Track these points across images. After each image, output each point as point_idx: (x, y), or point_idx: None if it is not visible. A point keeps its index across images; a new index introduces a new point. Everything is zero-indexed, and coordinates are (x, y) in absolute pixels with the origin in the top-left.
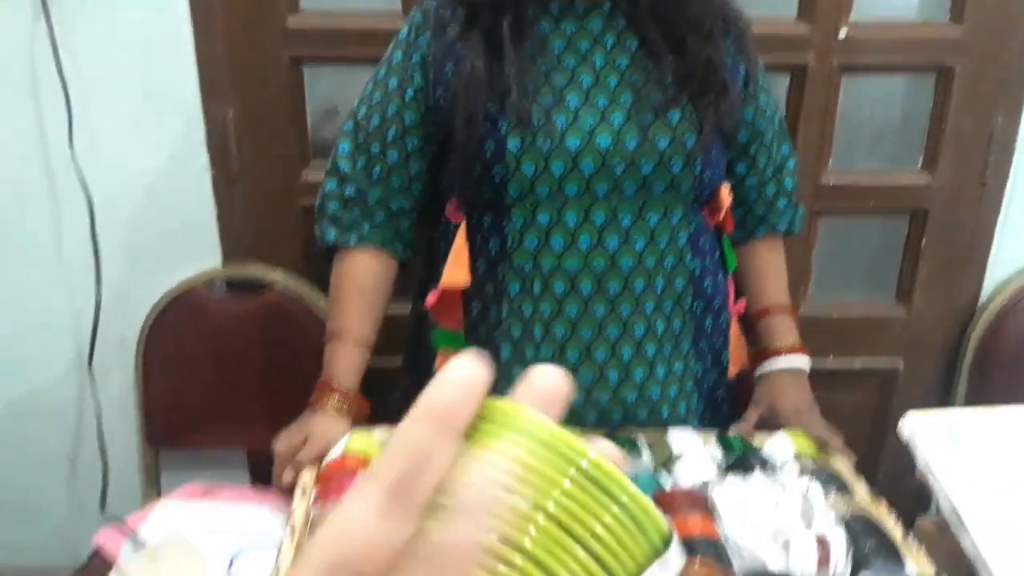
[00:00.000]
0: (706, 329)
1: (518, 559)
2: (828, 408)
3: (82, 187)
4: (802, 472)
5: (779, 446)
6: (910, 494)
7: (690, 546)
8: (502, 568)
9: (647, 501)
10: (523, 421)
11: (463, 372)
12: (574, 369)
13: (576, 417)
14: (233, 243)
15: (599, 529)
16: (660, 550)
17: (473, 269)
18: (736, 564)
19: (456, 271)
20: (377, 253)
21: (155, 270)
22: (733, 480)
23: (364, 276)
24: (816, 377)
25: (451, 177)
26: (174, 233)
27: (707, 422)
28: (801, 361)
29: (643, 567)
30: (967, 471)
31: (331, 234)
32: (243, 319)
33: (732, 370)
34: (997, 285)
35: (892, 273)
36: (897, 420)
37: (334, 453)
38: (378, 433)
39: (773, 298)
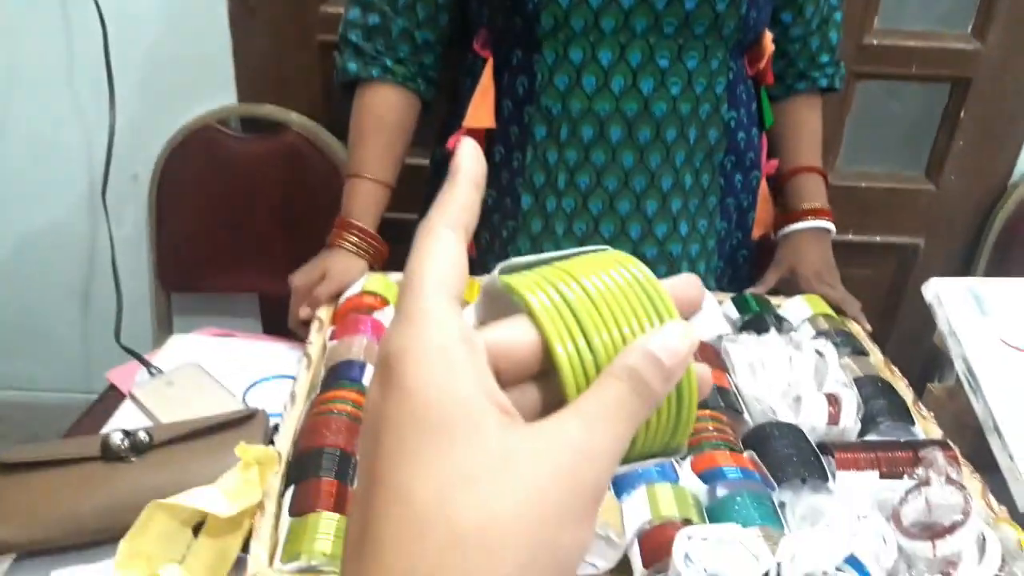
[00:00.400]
0: (736, 186)
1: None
2: (843, 280)
3: (97, 12)
4: (817, 333)
5: (795, 307)
6: (918, 368)
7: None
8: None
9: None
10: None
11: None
12: (595, 221)
13: None
14: (248, 79)
15: (634, 323)
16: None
17: (498, 110)
18: (746, 415)
19: (481, 110)
20: (400, 89)
21: (169, 103)
22: (747, 337)
23: (386, 111)
24: (834, 248)
25: (480, 5)
26: (189, 65)
27: (725, 283)
28: (826, 224)
29: None
30: (986, 336)
31: (353, 65)
32: (258, 159)
33: (756, 232)
34: None
35: (925, 147)
36: (912, 297)
37: (352, 291)
38: (395, 276)
39: (806, 158)
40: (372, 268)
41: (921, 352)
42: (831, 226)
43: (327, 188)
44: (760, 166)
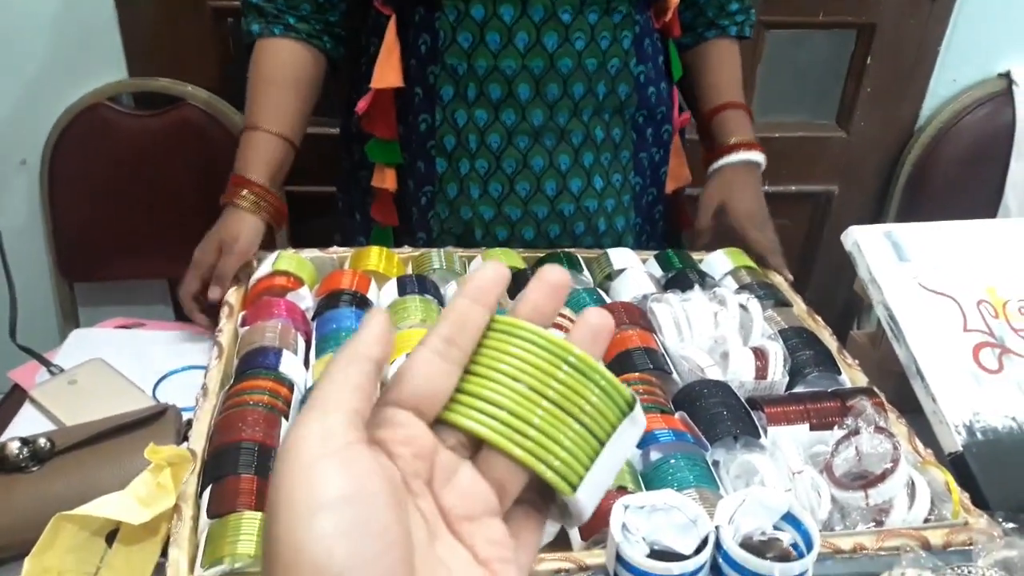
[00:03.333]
0: (648, 140)
1: (532, 432)
2: None
3: None
4: (740, 286)
5: (716, 261)
6: (838, 314)
7: (628, 358)
8: (518, 438)
9: (615, 379)
10: (526, 330)
11: (495, 266)
12: (510, 180)
13: (515, 232)
14: (138, 52)
15: (587, 407)
16: (627, 412)
17: (405, 70)
18: (675, 375)
19: (387, 70)
20: (302, 44)
21: (54, 82)
22: (671, 296)
23: (283, 63)
24: None
25: None
26: (72, 40)
27: (644, 239)
28: (757, 156)
29: (616, 427)
30: (905, 281)
31: (256, 26)
32: (155, 137)
33: (670, 185)
34: (936, 107)
35: (834, 95)
36: (828, 244)
37: (262, 271)
38: (308, 253)
39: (728, 95)
40: (272, 228)
41: (840, 299)
42: (762, 159)
43: (229, 163)
44: (671, 120)
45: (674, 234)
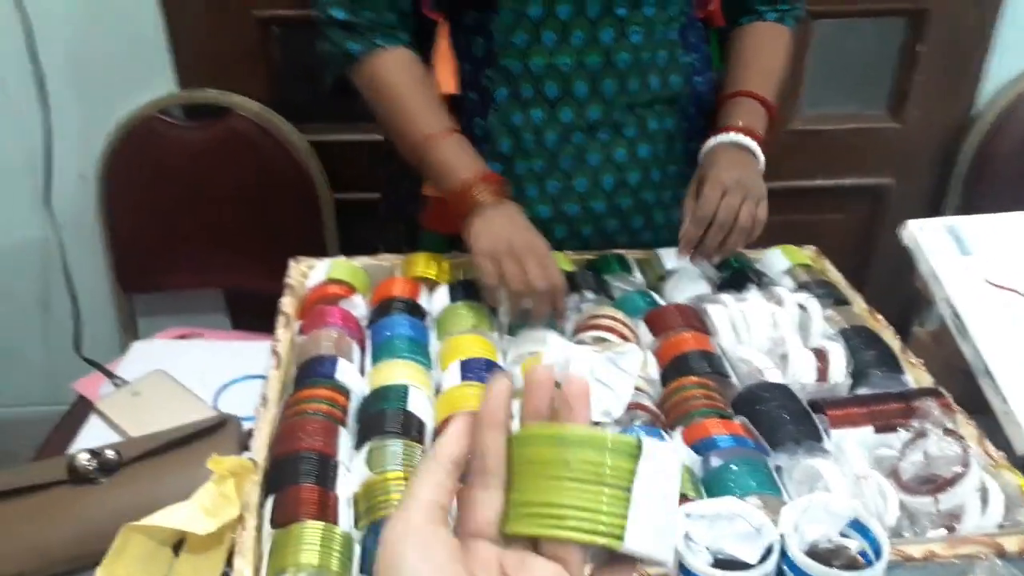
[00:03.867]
0: (700, 130)
1: (569, 512)
2: (816, 227)
3: (17, 8)
4: (797, 285)
5: (772, 260)
6: (899, 311)
7: (685, 362)
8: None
9: (615, 435)
10: (538, 435)
11: (499, 386)
12: (567, 177)
13: (573, 230)
14: (187, 64)
15: (605, 470)
16: (637, 455)
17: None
18: (733, 378)
19: (444, 76)
20: (410, 49)
21: (106, 98)
22: (728, 296)
23: (412, 67)
24: (805, 196)
25: None
26: (122, 54)
27: None
28: (749, 142)
29: (634, 471)
30: (969, 276)
31: (353, 45)
32: (206, 148)
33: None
34: (993, 94)
35: (885, 85)
36: (886, 238)
37: (315, 280)
38: (360, 261)
39: (744, 83)
40: (324, 235)
41: (901, 295)
42: (752, 144)
43: (281, 173)
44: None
45: None
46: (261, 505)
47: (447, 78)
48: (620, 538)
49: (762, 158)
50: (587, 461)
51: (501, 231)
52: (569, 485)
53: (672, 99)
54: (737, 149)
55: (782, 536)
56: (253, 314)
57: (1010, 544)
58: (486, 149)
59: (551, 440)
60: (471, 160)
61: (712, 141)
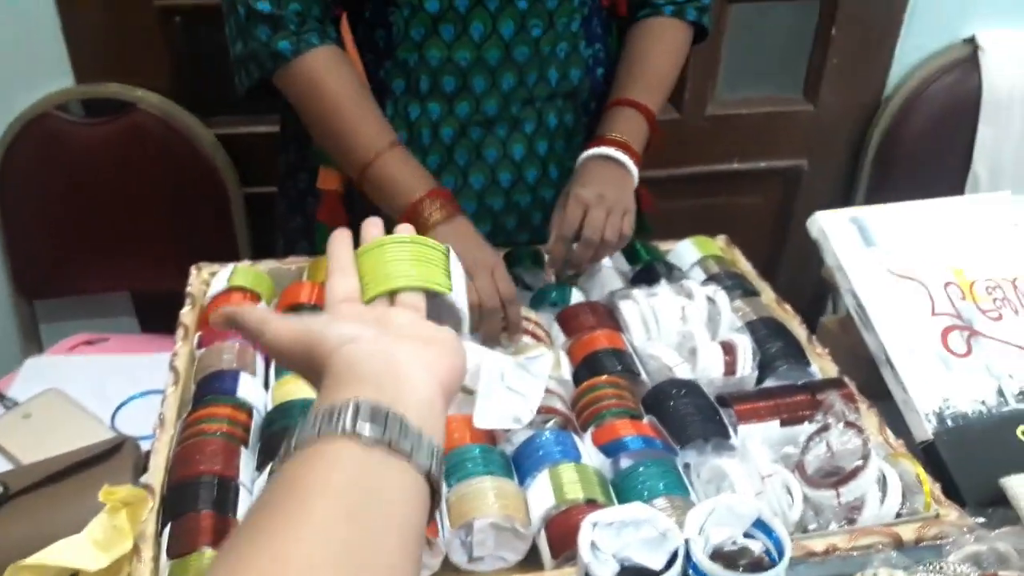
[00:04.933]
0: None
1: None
2: (731, 210)
3: None
4: (707, 277)
5: (683, 251)
6: (810, 296)
7: (597, 361)
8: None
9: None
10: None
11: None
12: (463, 174)
13: None
14: (85, 57)
15: (432, 254)
16: (447, 251)
17: None
18: (643, 375)
19: None
20: (337, 46)
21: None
22: (638, 291)
23: (349, 71)
24: (721, 180)
25: None
26: (14, 48)
27: None
28: (622, 156)
29: (448, 255)
30: (873, 267)
31: (284, 43)
32: (107, 144)
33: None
34: (902, 76)
35: (800, 68)
36: (800, 221)
37: (216, 287)
38: (264, 265)
39: (629, 90)
40: (235, 235)
41: (813, 277)
42: (624, 158)
43: (188, 168)
44: None
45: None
46: (159, 534)
47: (357, 70)
48: (449, 289)
49: (635, 171)
50: (409, 248)
51: (456, 244)
52: (401, 259)
53: (572, 93)
54: (608, 163)
55: (687, 541)
56: (163, 316)
57: (906, 533)
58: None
59: (381, 243)
60: (419, 176)
61: (584, 155)
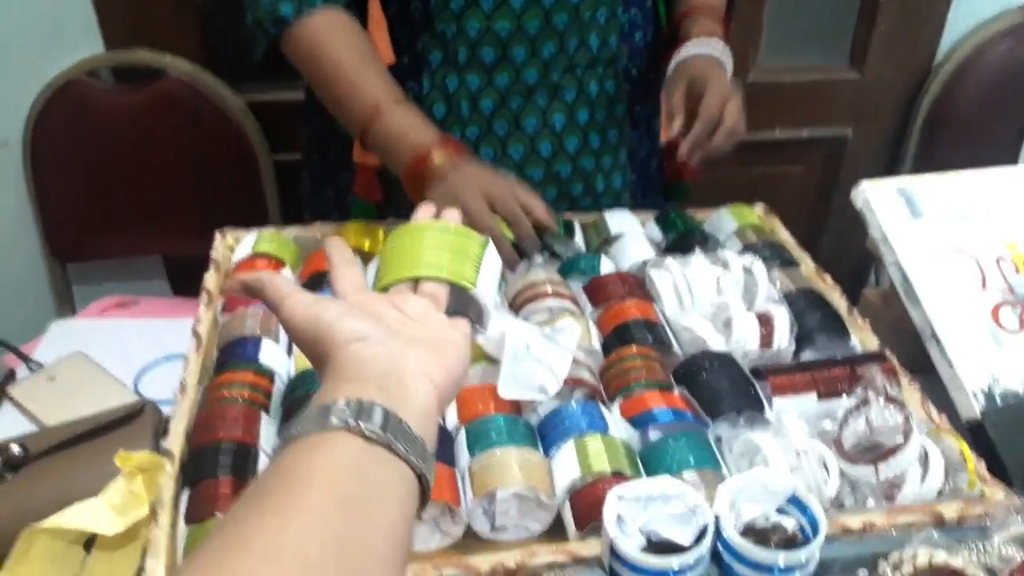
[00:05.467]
0: (640, 92)
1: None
2: (771, 180)
3: None
4: (744, 247)
5: (720, 221)
6: (853, 267)
7: (627, 331)
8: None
9: (475, 232)
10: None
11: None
12: (502, 144)
13: None
14: (114, 24)
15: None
16: (485, 244)
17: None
18: (676, 347)
19: (378, 45)
20: (346, 11)
21: (30, 61)
22: (672, 260)
23: (354, 30)
24: (762, 149)
25: None
26: (44, 15)
27: (640, 197)
28: (717, 47)
29: (484, 249)
30: (920, 239)
31: (287, 7)
32: (137, 110)
33: (663, 136)
34: (953, 44)
35: (846, 36)
36: (843, 191)
37: (241, 253)
38: (289, 232)
39: (700, 1)
40: (265, 199)
41: (857, 249)
42: (724, 53)
43: (217, 135)
44: (659, 67)
45: (671, 189)
46: (177, 499)
47: (382, 47)
48: (473, 283)
49: (726, 61)
50: (449, 239)
51: (472, 180)
52: (436, 248)
53: (612, 59)
54: (707, 59)
55: (717, 517)
56: (194, 280)
57: (949, 512)
58: None
59: (422, 227)
60: (424, 127)
61: (680, 55)
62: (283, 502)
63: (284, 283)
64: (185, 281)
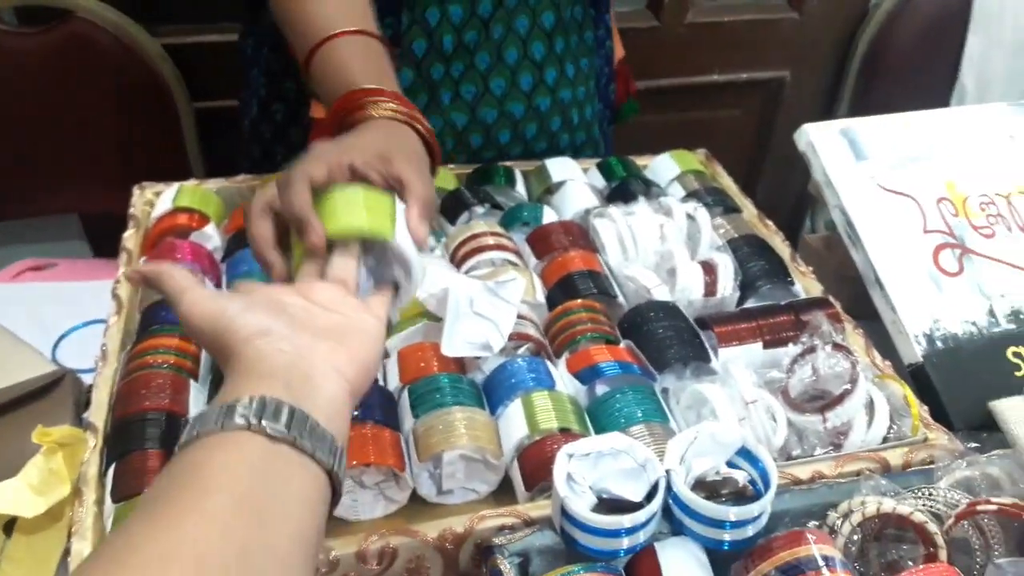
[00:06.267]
0: (600, 18)
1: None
2: (710, 124)
3: None
4: (687, 194)
5: (662, 167)
6: (790, 212)
7: (571, 283)
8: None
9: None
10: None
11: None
12: (483, 79)
13: (491, 137)
14: None
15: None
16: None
17: None
18: (620, 298)
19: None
20: None
21: None
22: (615, 209)
23: None
24: (700, 93)
25: None
26: None
27: (605, 124)
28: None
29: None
30: (863, 182)
31: None
32: (43, 56)
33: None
34: None
35: None
36: (781, 134)
37: (161, 208)
38: (212, 184)
39: None
40: (186, 151)
41: (793, 192)
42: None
43: (132, 82)
44: None
45: (620, 110)
46: (103, 475)
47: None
48: (391, 235)
49: None
50: (347, 196)
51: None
52: (339, 206)
53: None
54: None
55: (668, 472)
56: (115, 240)
57: (894, 458)
58: (396, 53)
59: (329, 190)
60: (375, 68)
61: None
62: (180, 507)
63: (184, 276)
64: (107, 241)
